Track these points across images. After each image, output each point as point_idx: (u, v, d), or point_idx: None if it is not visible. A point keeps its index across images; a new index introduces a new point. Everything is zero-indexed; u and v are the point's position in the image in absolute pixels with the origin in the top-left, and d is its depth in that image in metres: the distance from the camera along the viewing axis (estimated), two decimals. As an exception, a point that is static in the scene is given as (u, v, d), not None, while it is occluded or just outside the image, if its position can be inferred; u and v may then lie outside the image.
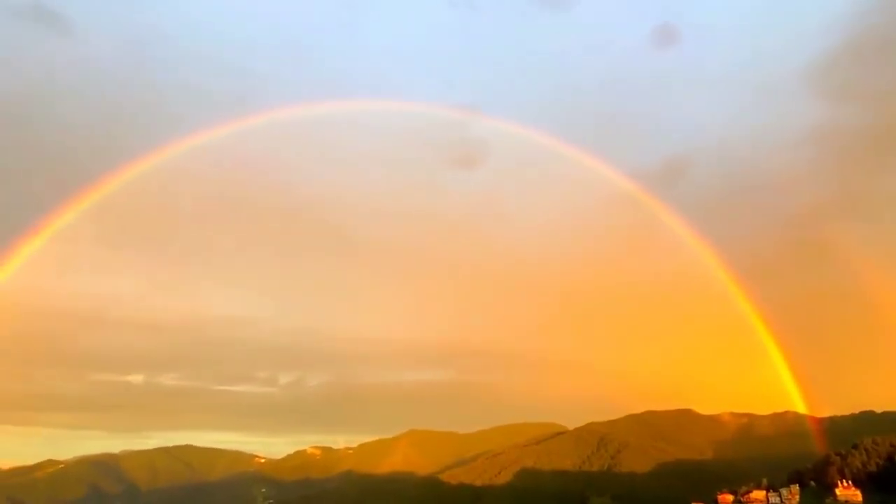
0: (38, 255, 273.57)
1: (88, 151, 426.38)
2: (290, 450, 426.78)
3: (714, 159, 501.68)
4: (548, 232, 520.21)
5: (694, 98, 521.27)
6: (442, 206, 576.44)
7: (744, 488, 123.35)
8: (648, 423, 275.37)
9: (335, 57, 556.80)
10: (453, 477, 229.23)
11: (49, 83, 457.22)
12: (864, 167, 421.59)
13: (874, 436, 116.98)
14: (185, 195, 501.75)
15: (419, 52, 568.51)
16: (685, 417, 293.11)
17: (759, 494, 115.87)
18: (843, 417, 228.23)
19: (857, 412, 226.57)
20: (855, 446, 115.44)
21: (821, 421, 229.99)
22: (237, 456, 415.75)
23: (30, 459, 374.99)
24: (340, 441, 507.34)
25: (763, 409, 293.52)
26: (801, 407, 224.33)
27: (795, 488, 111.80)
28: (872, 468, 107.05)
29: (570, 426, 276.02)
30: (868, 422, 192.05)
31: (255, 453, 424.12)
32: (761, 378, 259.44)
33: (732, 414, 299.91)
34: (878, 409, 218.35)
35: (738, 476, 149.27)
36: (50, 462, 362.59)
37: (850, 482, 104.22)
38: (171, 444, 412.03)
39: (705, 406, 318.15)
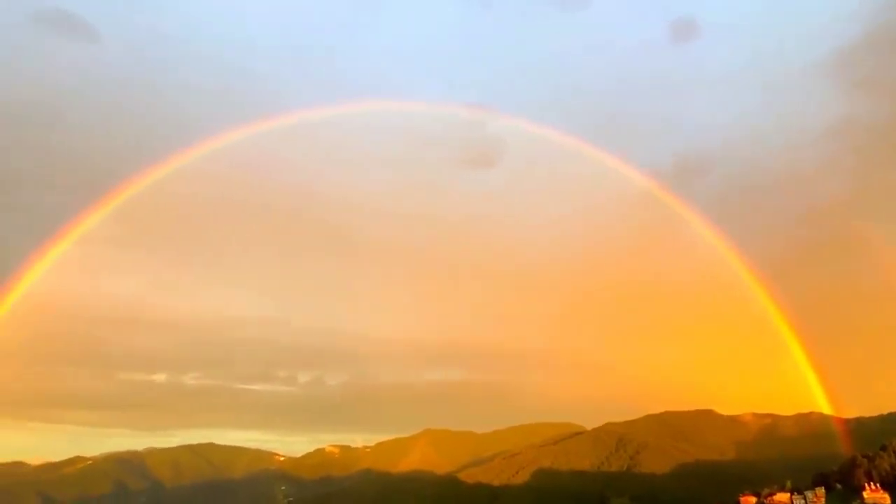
0: (64, 259, 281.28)
1: (109, 155, 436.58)
2: (310, 448, 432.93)
3: (732, 156, 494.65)
4: (565, 231, 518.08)
5: (710, 95, 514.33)
6: (457, 206, 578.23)
7: (766, 490, 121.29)
8: (668, 424, 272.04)
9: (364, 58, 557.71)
10: (471, 476, 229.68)
11: (69, 87, 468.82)
12: (884, 162, 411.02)
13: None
14: (208, 199, 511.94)
15: (432, 50, 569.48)
16: (706, 418, 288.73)
17: (783, 497, 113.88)
18: (869, 418, 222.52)
19: (884, 413, 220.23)
20: (883, 448, 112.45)
21: (846, 422, 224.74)
22: (258, 454, 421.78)
23: (58, 456, 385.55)
24: (358, 440, 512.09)
25: (786, 409, 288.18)
26: (825, 407, 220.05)
27: (821, 491, 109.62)
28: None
29: (588, 426, 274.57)
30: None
31: (276, 451, 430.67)
32: (784, 378, 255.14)
33: (754, 414, 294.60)
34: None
35: (760, 478, 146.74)
36: (78, 458, 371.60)
37: (877, 485, 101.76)
38: (194, 441, 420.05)
39: (726, 406, 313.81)
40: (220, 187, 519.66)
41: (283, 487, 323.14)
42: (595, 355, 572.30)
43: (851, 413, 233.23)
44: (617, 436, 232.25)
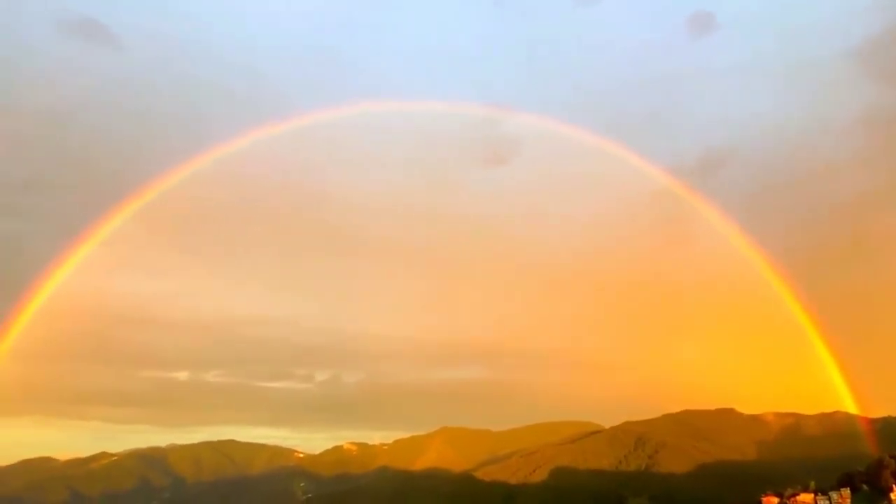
0: (88, 260, 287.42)
1: (129, 159, 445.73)
2: (328, 445, 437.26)
3: (755, 150, 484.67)
4: (582, 228, 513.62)
5: (732, 87, 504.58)
6: (475, 204, 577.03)
7: (789, 491, 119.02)
8: (687, 423, 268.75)
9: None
10: (487, 474, 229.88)
11: (93, 94, 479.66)
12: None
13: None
14: (227, 201, 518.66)
15: (442, 49, 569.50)
16: (726, 417, 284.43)
17: (806, 497, 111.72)
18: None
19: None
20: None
21: (873, 422, 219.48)
22: (277, 451, 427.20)
23: (85, 451, 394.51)
24: (375, 437, 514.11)
25: (810, 408, 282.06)
26: (851, 407, 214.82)
27: (846, 492, 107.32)
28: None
29: (606, 425, 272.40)
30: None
31: (294, 448, 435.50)
32: (808, 377, 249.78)
33: (777, 414, 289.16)
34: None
35: (782, 478, 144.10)
36: (104, 454, 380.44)
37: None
38: (214, 438, 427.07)
39: (747, 406, 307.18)
40: (239, 190, 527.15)
41: (301, 484, 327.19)
42: (613, 354, 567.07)
43: (878, 412, 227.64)
44: (635, 435, 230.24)
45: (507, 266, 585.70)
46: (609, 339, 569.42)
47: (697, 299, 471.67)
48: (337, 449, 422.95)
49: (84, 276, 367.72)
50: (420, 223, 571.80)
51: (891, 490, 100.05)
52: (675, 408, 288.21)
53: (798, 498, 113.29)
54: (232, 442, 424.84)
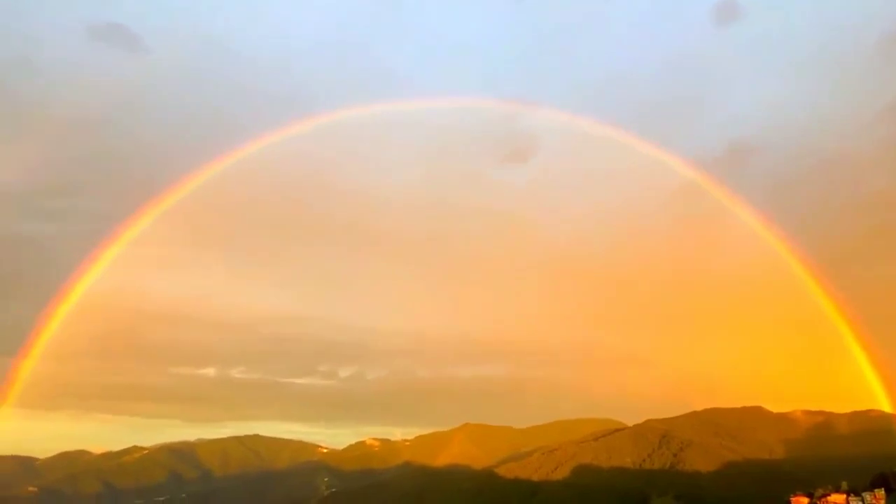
0: (120, 259, 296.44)
1: (158, 161, 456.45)
2: (351, 440, 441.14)
3: (782, 142, 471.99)
4: (604, 223, 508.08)
5: (757, 78, 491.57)
6: (492, 201, 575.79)
7: (820, 491, 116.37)
8: (713, 421, 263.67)
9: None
10: (509, 471, 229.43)
11: (122, 98, 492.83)
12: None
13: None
14: (253, 198, 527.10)
15: (464, 44, 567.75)
16: (753, 415, 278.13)
17: (838, 498, 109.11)
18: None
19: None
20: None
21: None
22: (301, 445, 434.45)
23: (118, 445, 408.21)
24: (398, 433, 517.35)
25: (841, 407, 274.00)
26: (885, 405, 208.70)
27: (880, 493, 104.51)
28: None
29: (629, 423, 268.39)
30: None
31: (318, 443, 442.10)
32: (839, 374, 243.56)
33: (806, 412, 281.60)
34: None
35: (812, 478, 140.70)
36: (136, 448, 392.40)
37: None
38: (241, 433, 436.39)
39: (776, 403, 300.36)
40: (266, 189, 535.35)
41: (325, 479, 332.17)
42: (636, 350, 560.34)
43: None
44: (659, 433, 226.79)
45: (528, 262, 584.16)
46: (631, 336, 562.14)
47: (723, 294, 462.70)
48: (360, 444, 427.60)
49: (115, 276, 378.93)
50: (442, 220, 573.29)
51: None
52: (701, 405, 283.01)
53: (829, 498, 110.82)
54: (258, 437, 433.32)
